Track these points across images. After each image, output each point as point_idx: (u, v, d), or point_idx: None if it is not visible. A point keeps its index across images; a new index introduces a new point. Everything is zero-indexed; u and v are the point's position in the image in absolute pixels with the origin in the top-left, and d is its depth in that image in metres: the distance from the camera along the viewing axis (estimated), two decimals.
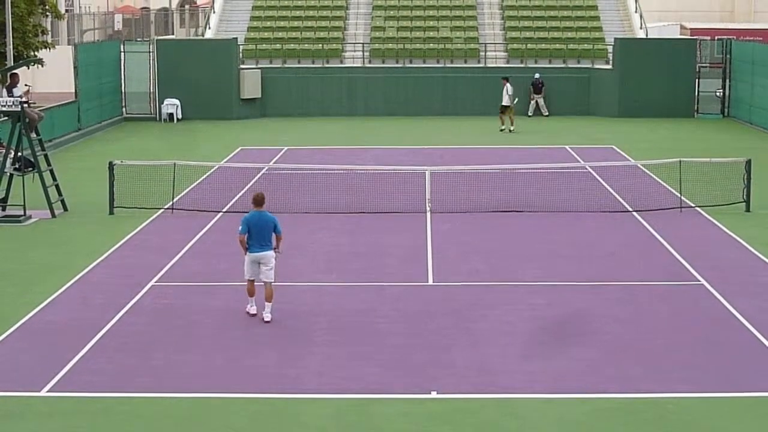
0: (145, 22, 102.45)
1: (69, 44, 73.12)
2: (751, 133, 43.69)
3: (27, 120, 27.63)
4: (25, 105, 27.62)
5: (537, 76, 49.69)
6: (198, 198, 29.23)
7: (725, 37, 54.03)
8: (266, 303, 18.56)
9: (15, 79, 29.49)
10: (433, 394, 15.15)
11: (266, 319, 18.50)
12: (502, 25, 55.09)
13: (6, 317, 18.70)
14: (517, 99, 45.33)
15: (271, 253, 18.58)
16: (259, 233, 18.45)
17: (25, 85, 30.74)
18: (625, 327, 18.22)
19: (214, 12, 56.14)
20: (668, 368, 16.19)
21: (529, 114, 49.43)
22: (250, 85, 49.42)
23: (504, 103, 45.03)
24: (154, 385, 15.51)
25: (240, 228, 18.56)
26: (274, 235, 18.65)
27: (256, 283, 18.80)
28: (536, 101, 49.64)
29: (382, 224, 26.44)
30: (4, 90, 28.60)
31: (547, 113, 49.50)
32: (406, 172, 31.71)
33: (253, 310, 18.85)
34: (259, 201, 18.57)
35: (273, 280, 18.59)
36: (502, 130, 44.51)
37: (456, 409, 14.71)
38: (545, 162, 33.94)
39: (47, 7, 47.28)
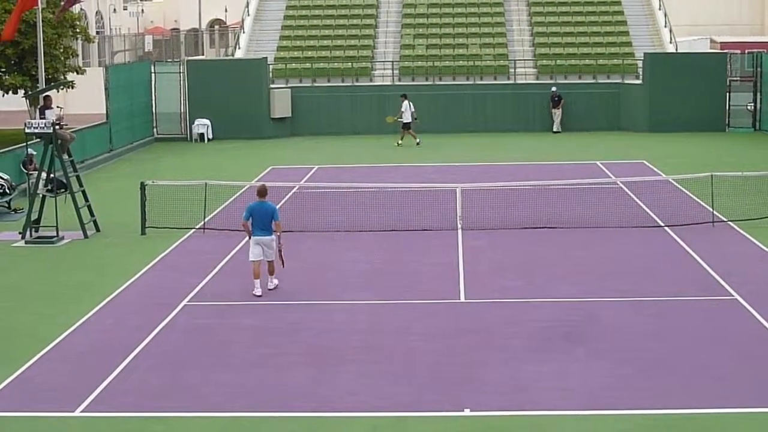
0: (175, 43, 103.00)
1: (100, 66, 73.57)
2: None
3: (59, 141, 27.80)
4: (57, 126, 27.79)
5: (554, 89, 49.64)
6: (229, 217, 29.26)
7: (756, 50, 53.80)
8: (270, 276, 21.69)
9: (48, 101, 29.71)
10: (467, 412, 15.10)
11: (270, 287, 21.62)
12: (532, 41, 55.08)
13: (40, 338, 18.78)
14: (415, 118, 46.07)
15: (272, 237, 21.28)
16: (260, 220, 21.23)
17: (57, 107, 30.93)
18: (659, 342, 18.12)
19: (243, 32, 56.39)
20: (703, 383, 16.10)
21: (554, 130, 49.44)
22: (281, 105, 49.56)
23: (406, 120, 45.81)
24: (187, 405, 15.53)
25: (243, 214, 21.48)
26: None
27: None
28: (556, 115, 49.56)
29: (413, 242, 26.41)
30: (38, 111, 28.84)
31: (559, 129, 49.43)
32: (436, 189, 31.70)
33: (258, 292, 21.29)
34: (261, 192, 21.41)
35: (273, 259, 21.47)
36: (418, 143, 45.52)
37: (490, 426, 14.66)
38: (576, 178, 33.83)
39: (77, 30, 47.55)
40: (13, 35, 37.87)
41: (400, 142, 45.87)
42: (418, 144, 45.41)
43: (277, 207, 22.04)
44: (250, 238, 21.44)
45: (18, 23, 36.85)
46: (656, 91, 49.06)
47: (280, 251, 21.37)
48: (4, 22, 40.00)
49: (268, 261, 21.50)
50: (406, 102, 45.97)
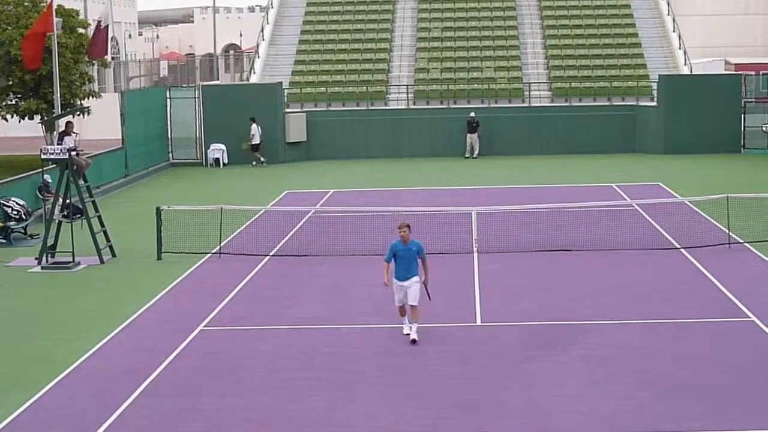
0: (191, 68, 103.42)
1: (115, 91, 73.87)
2: None
3: (75, 167, 27.89)
4: (73, 152, 27.87)
5: (472, 114, 49.67)
6: (245, 242, 29.31)
7: None
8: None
9: (69, 127, 29.80)
10: None
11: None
12: (546, 64, 55.12)
13: (56, 363, 18.79)
14: (261, 140, 48.82)
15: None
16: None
17: (74, 132, 31.03)
18: (677, 364, 18.05)
19: (258, 57, 56.58)
20: (722, 405, 16.01)
21: (466, 156, 49.33)
22: (296, 129, 49.67)
23: (255, 142, 48.54)
24: (204, 430, 15.50)
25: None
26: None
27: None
28: (471, 140, 49.55)
29: (429, 265, 26.32)
30: (57, 136, 29.00)
31: (475, 155, 49.55)
32: (452, 212, 31.68)
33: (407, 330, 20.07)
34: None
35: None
36: (263, 163, 48.69)
37: None
38: (592, 200, 33.78)
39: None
40: (38, 63, 37.86)
41: (262, 161, 48.71)
42: (263, 163, 48.51)
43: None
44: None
45: (36, 48, 36.81)
46: (671, 113, 49.06)
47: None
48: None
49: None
50: (254, 125, 48.26)
